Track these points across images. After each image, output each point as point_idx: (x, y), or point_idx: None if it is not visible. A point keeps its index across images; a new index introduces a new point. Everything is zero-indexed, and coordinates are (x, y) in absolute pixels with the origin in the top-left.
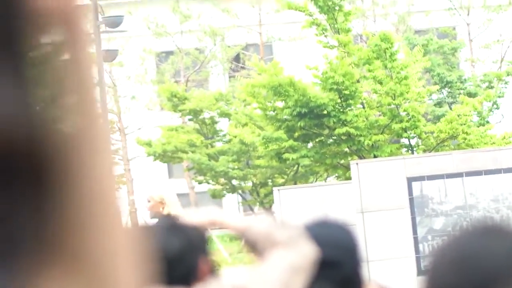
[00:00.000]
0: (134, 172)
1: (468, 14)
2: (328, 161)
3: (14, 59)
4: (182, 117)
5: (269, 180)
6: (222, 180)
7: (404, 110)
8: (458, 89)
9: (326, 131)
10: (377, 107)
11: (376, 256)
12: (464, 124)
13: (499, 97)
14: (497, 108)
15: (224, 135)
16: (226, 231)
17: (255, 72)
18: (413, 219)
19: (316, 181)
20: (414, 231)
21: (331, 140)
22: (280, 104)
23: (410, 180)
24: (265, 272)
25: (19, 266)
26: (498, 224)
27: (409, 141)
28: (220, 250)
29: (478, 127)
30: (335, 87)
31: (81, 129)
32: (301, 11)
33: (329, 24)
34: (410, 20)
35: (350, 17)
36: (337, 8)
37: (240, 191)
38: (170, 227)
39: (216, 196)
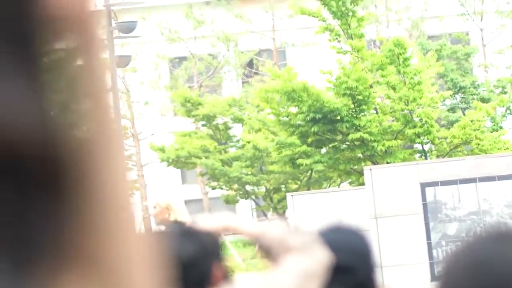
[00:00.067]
0: (148, 178)
1: (481, 20)
2: (342, 167)
3: (29, 64)
4: (195, 123)
5: (283, 186)
6: (235, 185)
7: (418, 116)
8: (472, 95)
9: (339, 137)
10: (391, 112)
11: (390, 261)
12: (478, 130)
13: None
14: (511, 114)
15: (238, 141)
16: (240, 236)
17: (268, 77)
18: (427, 225)
19: (329, 186)
20: (428, 237)
21: (344, 146)
22: (293, 109)
23: (423, 186)
24: (279, 277)
25: (37, 271)
26: None
27: (422, 146)
28: (234, 255)
29: (492, 132)
30: (348, 92)
31: (94, 135)
32: (314, 16)
33: (343, 30)
34: (424, 26)
35: (363, 22)
36: (350, 13)
37: (253, 197)
38: (184, 232)
39: (229, 201)
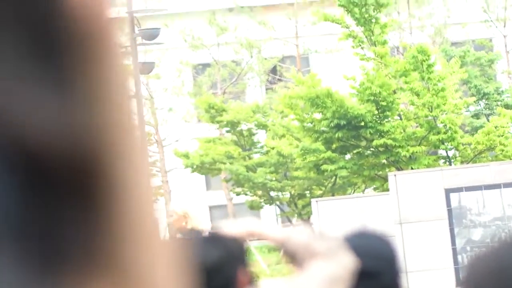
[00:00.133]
0: (172, 184)
1: (504, 26)
2: (366, 173)
3: (54, 70)
4: (219, 129)
5: (307, 192)
6: (259, 191)
7: (442, 122)
8: (495, 101)
9: (363, 143)
10: (414, 118)
11: (414, 267)
12: (502, 136)
13: None
14: None
15: (262, 147)
16: (265, 242)
17: (292, 84)
18: (452, 230)
19: (354, 192)
20: (453, 242)
21: (368, 152)
22: (317, 115)
23: (448, 192)
24: (304, 282)
25: (67, 280)
26: None
27: (446, 152)
28: (259, 261)
29: None
30: (372, 98)
31: (118, 141)
32: (337, 23)
33: (366, 36)
34: (447, 32)
35: (386, 29)
36: (373, 20)
37: (278, 203)
38: (209, 238)
39: (254, 207)
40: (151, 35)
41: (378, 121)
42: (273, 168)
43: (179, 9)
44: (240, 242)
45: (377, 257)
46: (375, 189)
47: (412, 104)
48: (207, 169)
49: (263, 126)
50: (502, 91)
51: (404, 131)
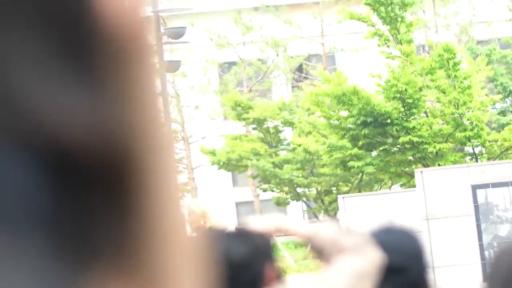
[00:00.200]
0: (199, 181)
1: None
2: (393, 169)
3: (85, 70)
4: (246, 126)
5: (334, 188)
6: (286, 188)
7: (468, 119)
8: None
9: (390, 140)
10: (441, 116)
11: (441, 262)
12: None
13: None
14: None
15: (288, 144)
16: (291, 238)
17: (318, 81)
18: (478, 226)
19: (380, 189)
20: (480, 238)
21: (395, 149)
22: (344, 113)
23: (474, 188)
24: (331, 278)
25: (98, 274)
26: None
27: (473, 149)
28: (286, 257)
29: None
30: (398, 95)
31: (147, 139)
32: (363, 21)
33: (392, 35)
34: (472, 31)
35: (412, 28)
36: (399, 19)
37: (304, 199)
38: (236, 234)
39: (280, 204)
40: (177, 34)
41: (404, 118)
42: (299, 165)
43: (205, 8)
44: (267, 238)
45: (404, 252)
46: (401, 185)
47: (438, 101)
48: (233, 165)
49: (289, 123)
50: None
51: (430, 128)
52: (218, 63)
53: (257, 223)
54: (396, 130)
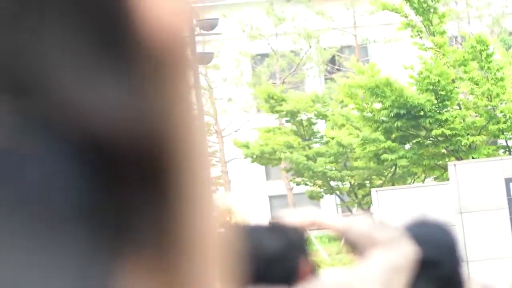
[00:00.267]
0: (232, 174)
1: None
2: (426, 162)
3: (124, 63)
4: (279, 119)
5: (367, 181)
6: (319, 181)
7: (501, 111)
8: None
9: (423, 132)
10: (474, 108)
11: (475, 256)
12: None
13: None
14: None
15: (321, 137)
16: (325, 231)
17: (351, 73)
18: None
19: (413, 182)
20: None
21: (428, 141)
22: (377, 105)
23: (508, 181)
24: (365, 271)
25: (136, 267)
26: None
27: (506, 142)
28: (319, 250)
29: None
30: (431, 87)
31: (178, 132)
32: (396, 12)
33: (424, 26)
34: (505, 22)
35: (444, 19)
36: (432, 10)
37: (338, 192)
38: (270, 228)
39: (314, 197)
40: (210, 25)
41: (437, 111)
42: (332, 158)
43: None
44: (301, 231)
45: (438, 246)
46: (435, 178)
47: (472, 93)
48: (267, 159)
49: (322, 116)
50: None
51: (463, 120)
52: (251, 55)
53: (291, 217)
54: (429, 122)
